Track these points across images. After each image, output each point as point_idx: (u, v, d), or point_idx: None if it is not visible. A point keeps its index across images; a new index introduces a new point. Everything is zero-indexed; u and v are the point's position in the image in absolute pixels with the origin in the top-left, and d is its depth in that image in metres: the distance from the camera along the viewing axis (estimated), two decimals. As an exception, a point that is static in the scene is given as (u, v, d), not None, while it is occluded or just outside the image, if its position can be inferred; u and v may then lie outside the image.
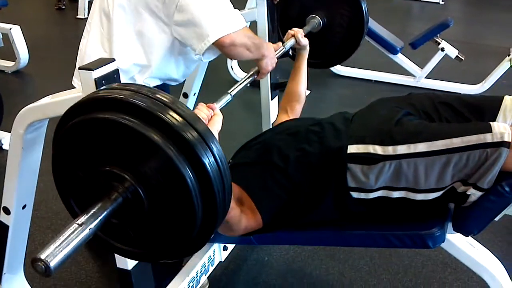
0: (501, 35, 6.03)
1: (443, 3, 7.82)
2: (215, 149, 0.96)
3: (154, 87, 1.71)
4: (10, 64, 4.49)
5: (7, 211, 1.61)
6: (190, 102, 2.47)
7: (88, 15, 6.42)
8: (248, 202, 1.53)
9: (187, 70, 1.84)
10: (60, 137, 1.05)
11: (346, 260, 2.23)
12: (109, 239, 1.11)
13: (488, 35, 6.16)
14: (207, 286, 2.06)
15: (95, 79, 1.20)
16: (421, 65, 4.28)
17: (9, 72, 4.48)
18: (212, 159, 0.95)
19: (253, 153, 1.69)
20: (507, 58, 3.93)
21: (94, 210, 0.93)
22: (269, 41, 2.24)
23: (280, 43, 1.98)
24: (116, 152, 0.98)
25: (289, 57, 2.16)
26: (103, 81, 1.21)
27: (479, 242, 1.67)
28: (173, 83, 1.92)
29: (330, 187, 1.50)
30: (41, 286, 2.04)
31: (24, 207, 1.63)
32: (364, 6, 2.38)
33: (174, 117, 0.93)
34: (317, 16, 2.37)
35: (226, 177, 0.99)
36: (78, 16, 6.47)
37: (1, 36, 4.30)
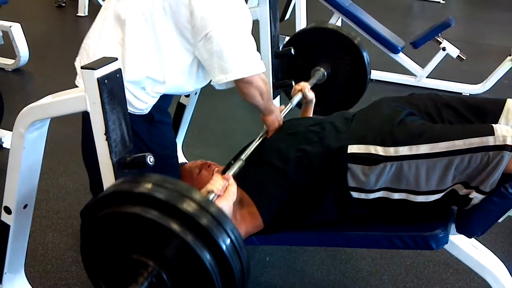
0: (502, 35, 6.03)
1: (444, 2, 7.82)
2: (229, 229, 1.05)
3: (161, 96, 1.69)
4: (10, 62, 4.47)
5: (8, 210, 1.61)
6: (192, 102, 2.46)
7: (88, 13, 6.37)
8: (248, 204, 1.52)
9: (198, 88, 1.83)
10: (87, 227, 1.16)
11: (347, 260, 2.22)
12: None
13: (490, 34, 6.15)
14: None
15: (97, 78, 1.19)
16: (422, 65, 4.27)
17: (9, 70, 4.47)
18: (227, 240, 1.04)
19: (253, 153, 1.69)
20: (509, 58, 3.92)
21: None
22: (271, 42, 2.23)
23: (283, 106, 2.01)
24: (140, 240, 1.09)
25: (297, 106, 2.20)
26: (105, 81, 1.21)
27: (482, 244, 1.66)
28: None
29: (330, 187, 1.49)
30: (42, 286, 2.03)
31: (25, 206, 1.62)
32: (365, 56, 2.45)
33: (189, 205, 1.04)
34: (321, 68, 2.43)
35: (243, 254, 1.07)
36: (78, 14, 6.45)
37: (1, 34, 4.29)
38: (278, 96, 2.50)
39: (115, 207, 1.09)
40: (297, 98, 2.10)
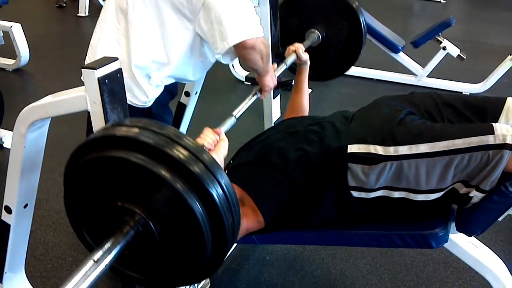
0: (503, 34, 6.03)
1: (444, 1, 7.81)
2: (222, 180, 0.98)
3: (166, 86, 1.72)
4: (11, 62, 4.48)
5: (8, 210, 1.61)
6: (192, 101, 2.47)
7: (88, 13, 6.38)
8: (249, 203, 1.52)
9: (203, 71, 1.85)
10: (71, 173, 1.07)
11: (347, 259, 2.22)
12: (120, 267, 1.14)
13: (490, 34, 6.15)
14: (209, 285, 2.06)
15: (98, 78, 1.19)
16: (423, 64, 4.27)
17: (10, 70, 4.48)
18: (219, 190, 0.97)
19: (253, 153, 1.69)
20: (509, 57, 3.93)
21: (108, 245, 0.96)
22: (271, 41, 2.24)
23: (275, 65, 2.00)
24: (127, 187, 1.01)
25: (290, 71, 2.18)
26: (106, 80, 1.21)
27: (482, 242, 1.66)
28: (185, 82, 1.92)
29: (330, 186, 1.49)
30: (42, 285, 2.04)
31: (25, 206, 1.63)
32: (362, 20, 2.37)
33: (180, 151, 0.95)
34: (316, 31, 2.38)
35: (235, 207, 1.01)
36: (79, 14, 6.46)
37: (2, 34, 4.30)
38: (279, 96, 2.50)
39: (99, 151, 1.00)
40: (291, 59, 2.07)
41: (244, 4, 1.56)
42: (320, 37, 2.38)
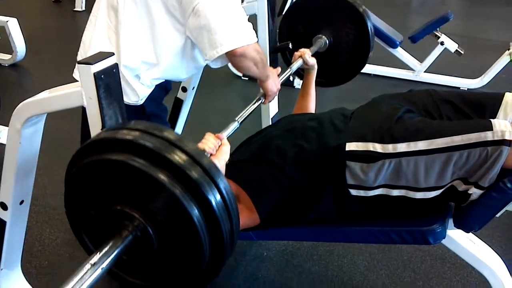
0: (501, 29, 6.02)
1: (442, -4, 7.80)
2: (221, 185, 0.98)
3: (157, 85, 1.70)
4: (7, 57, 4.46)
5: (4, 206, 1.60)
6: (189, 96, 2.46)
7: (85, 7, 6.35)
8: (245, 200, 1.52)
9: (196, 72, 1.82)
10: (71, 176, 1.08)
11: (345, 255, 2.22)
12: (119, 272, 1.13)
13: (488, 29, 6.14)
14: (206, 281, 2.06)
15: (94, 73, 1.18)
16: (421, 59, 4.26)
17: (6, 65, 4.46)
18: (218, 196, 0.97)
19: (252, 150, 1.69)
20: (507, 52, 3.92)
21: (106, 249, 0.96)
22: (268, 35, 2.23)
23: (279, 68, 1.98)
24: (126, 191, 1.01)
25: (298, 76, 2.16)
26: (102, 76, 1.20)
27: (479, 238, 1.66)
28: (178, 81, 1.90)
29: (328, 184, 1.49)
30: (38, 282, 2.03)
31: (21, 202, 1.62)
32: (370, 25, 2.36)
33: (179, 155, 0.95)
34: (323, 36, 2.37)
35: (234, 212, 1.01)
36: (76, 9, 6.43)
37: (-2, 29, 4.29)
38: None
39: (99, 154, 1.01)
40: (296, 64, 2.04)
41: (234, 11, 1.52)
42: (328, 42, 2.38)
